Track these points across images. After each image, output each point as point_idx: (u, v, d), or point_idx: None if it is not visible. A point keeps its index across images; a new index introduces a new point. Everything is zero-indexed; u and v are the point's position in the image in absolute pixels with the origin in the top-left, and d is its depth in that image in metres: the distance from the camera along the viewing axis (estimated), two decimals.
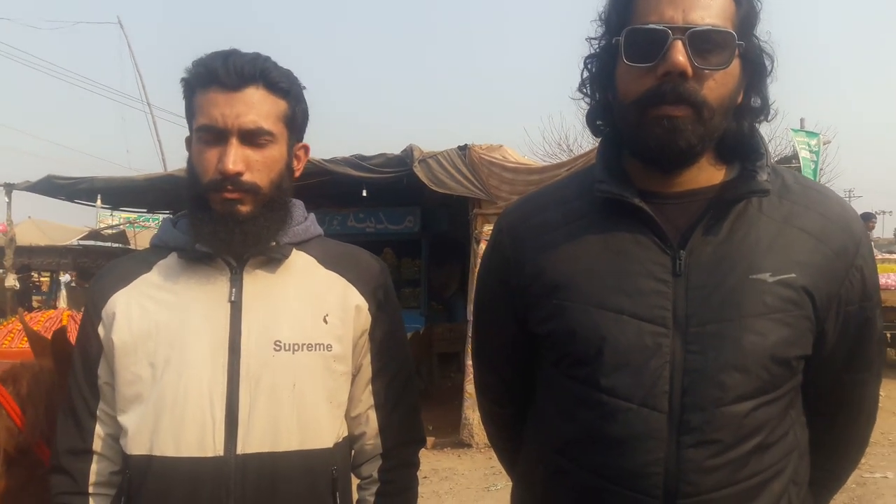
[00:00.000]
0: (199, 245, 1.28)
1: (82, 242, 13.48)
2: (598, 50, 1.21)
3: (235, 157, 1.23)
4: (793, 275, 1.10)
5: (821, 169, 9.93)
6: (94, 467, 1.30)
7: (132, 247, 13.02)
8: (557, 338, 1.17)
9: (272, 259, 1.31)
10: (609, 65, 1.17)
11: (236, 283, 1.28)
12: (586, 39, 1.22)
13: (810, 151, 9.18)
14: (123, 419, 1.26)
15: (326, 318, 1.31)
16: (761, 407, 1.09)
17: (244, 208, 1.26)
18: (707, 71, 1.08)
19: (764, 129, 1.23)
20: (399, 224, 9.63)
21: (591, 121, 1.25)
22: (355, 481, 1.44)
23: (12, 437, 1.34)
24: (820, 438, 1.23)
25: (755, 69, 1.15)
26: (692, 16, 1.07)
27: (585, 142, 16.10)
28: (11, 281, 9.51)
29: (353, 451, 1.43)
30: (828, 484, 1.32)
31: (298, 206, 1.41)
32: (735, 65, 1.11)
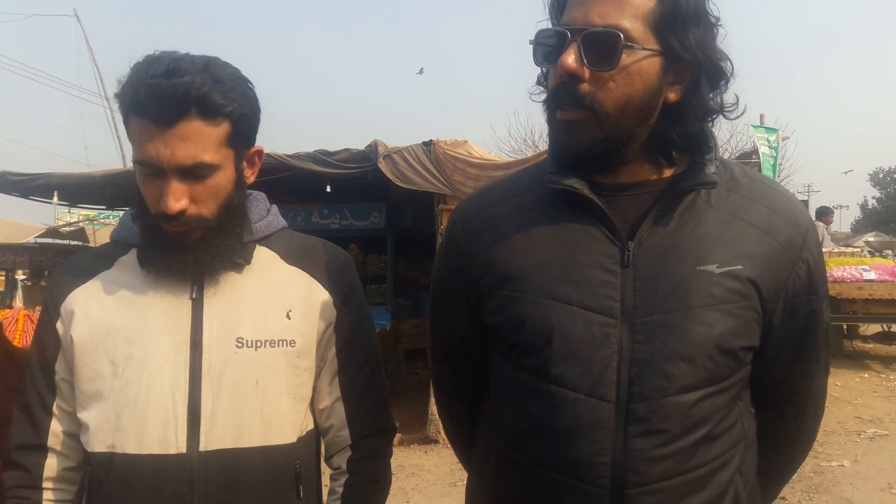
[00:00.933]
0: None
1: (39, 240, 13.16)
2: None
3: (176, 196, 1.17)
4: (739, 267, 1.11)
5: (780, 164, 10.13)
6: (48, 462, 1.28)
7: (91, 244, 12.76)
8: (508, 328, 1.17)
9: (235, 264, 1.29)
10: None
11: (197, 280, 1.26)
12: (529, 42, 1.22)
13: (770, 147, 9.38)
14: (84, 416, 1.24)
15: (289, 313, 1.30)
16: (708, 398, 1.09)
17: (194, 234, 1.23)
18: (605, 73, 1.07)
19: (725, 125, 1.24)
20: (364, 220, 9.56)
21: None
22: (329, 471, 1.44)
23: None
24: (769, 430, 1.25)
25: (694, 68, 1.11)
26: (591, 17, 1.07)
27: None
28: None
29: (324, 443, 1.43)
30: (777, 475, 1.34)
31: (259, 200, 1.39)
32: (651, 64, 1.08)
